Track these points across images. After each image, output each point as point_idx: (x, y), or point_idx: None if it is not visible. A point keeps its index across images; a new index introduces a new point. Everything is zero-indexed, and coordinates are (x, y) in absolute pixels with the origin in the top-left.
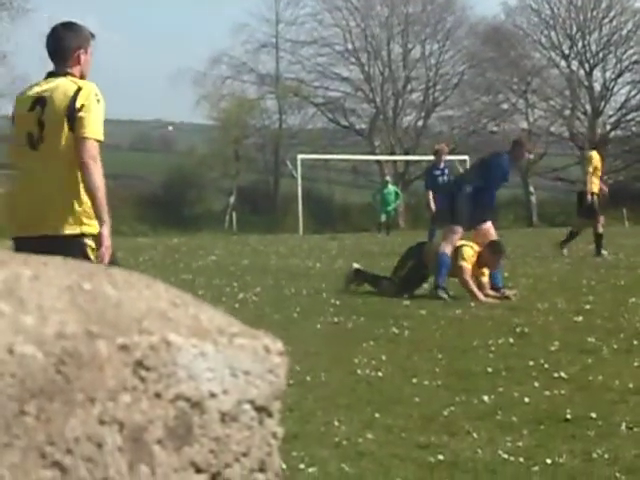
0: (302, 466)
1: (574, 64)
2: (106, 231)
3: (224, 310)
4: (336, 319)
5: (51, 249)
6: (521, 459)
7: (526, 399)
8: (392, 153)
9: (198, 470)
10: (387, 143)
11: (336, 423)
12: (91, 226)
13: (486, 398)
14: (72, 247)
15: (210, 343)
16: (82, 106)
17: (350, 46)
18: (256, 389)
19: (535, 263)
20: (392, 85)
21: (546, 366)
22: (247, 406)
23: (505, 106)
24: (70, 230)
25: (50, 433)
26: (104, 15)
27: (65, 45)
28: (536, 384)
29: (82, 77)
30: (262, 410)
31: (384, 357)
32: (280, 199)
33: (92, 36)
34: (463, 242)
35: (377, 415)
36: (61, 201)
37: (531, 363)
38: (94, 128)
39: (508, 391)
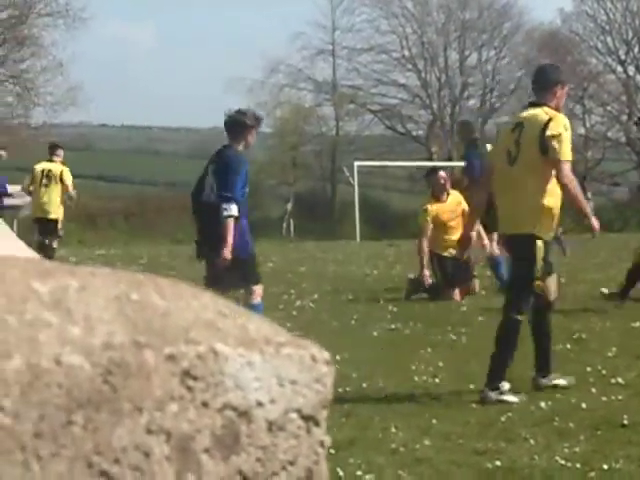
0: (359, 473)
1: (630, 69)
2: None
3: (282, 317)
4: (393, 326)
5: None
6: (578, 465)
7: (583, 405)
8: (449, 159)
9: (245, 479)
10: (444, 149)
11: (393, 429)
12: (542, 231)
13: (543, 404)
14: (526, 243)
15: (257, 353)
16: (552, 135)
17: (407, 53)
18: (303, 398)
19: (593, 269)
20: (449, 91)
21: (603, 372)
22: (294, 415)
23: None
24: (527, 230)
25: (97, 442)
26: (162, 24)
27: (546, 79)
28: (593, 390)
29: (557, 109)
30: (309, 419)
31: (441, 363)
32: (337, 206)
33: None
34: None
35: (434, 421)
36: (527, 208)
37: (588, 369)
38: (566, 152)
39: (565, 397)
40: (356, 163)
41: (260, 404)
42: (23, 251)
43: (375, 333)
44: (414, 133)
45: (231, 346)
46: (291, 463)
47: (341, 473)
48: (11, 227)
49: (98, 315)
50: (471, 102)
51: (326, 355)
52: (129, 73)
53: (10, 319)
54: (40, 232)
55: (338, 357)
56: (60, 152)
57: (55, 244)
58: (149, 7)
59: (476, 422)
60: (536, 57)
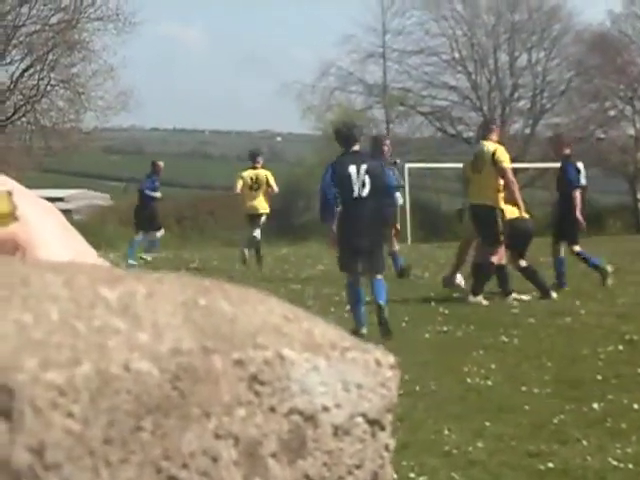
0: (412, 475)
1: None
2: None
3: (333, 320)
4: (445, 328)
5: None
6: (630, 465)
7: (635, 406)
8: None
9: None
10: None
11: (446, 432)
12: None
13: (595, 406)
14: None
15: (323, 357)
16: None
17: (457, 55)
18: (368, 402)
19: None
20: (499, 93)
21: None
22: (360, 419)
23: (612, 113)
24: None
25: (166, 448)
26: (211, 28)
27: (487, 126)
28: None
29: (499, 142)
30: (374, 423)
31: (493, 366)
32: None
33: None
34: None
35: (487, 424)
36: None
37: (639, 370)
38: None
39: (617, 398)
40: (407, 165)
41: (326, 409)
42: (91, 254)
43: (427, 335)
44: (464, 135)
45: (297, 351)
46: (357, 467)
47: (395, 476)
48: None
49: (166, 321)
50: (521, 103)
51: (391, 359)
52: (180, 76)
53: (79, 325)
54: (251, 225)
55: None
56: (260, 159)
57: (258, 235)
58: (199, 10)
59: (528, 424)
60: (586, 58)
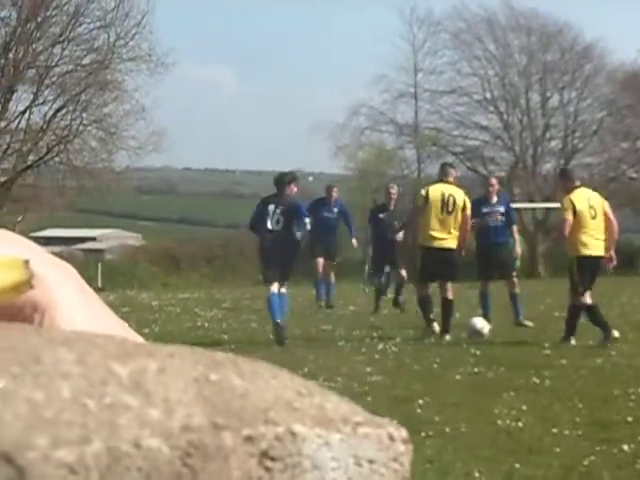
0: None
1: None
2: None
3: (364, 361)
4: (476, 369)
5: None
6: None
7: None
8: (531, 201)
9: None
10: (526, 191)
11: (476, 474)
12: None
13: (626, 447)
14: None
15: (334, 432)
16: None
17: (488, 95)
18: (380, 477)
19: None
20: (531, 133)
21: None
22: None
23: None
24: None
25: None
26: (242, 69)
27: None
28: None
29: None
30: None
31: (524, 407)
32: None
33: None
34: None
35: (517, 465)
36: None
37: None
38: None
39: None
40: None
41: None
42: (109, 316)
43: (457, 377)
44: (496, 175)
45: (308, 426)
46: None
47: None
48: (95, 272)
49: (177, 397)
50: (553, 143)
51: (404, 433)
52: (212, 116)
53: (90, 403)
54: None
55: (420, 401)
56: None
57: None
58: (230, 52)
59: (559, 466)
60: (618, 98)
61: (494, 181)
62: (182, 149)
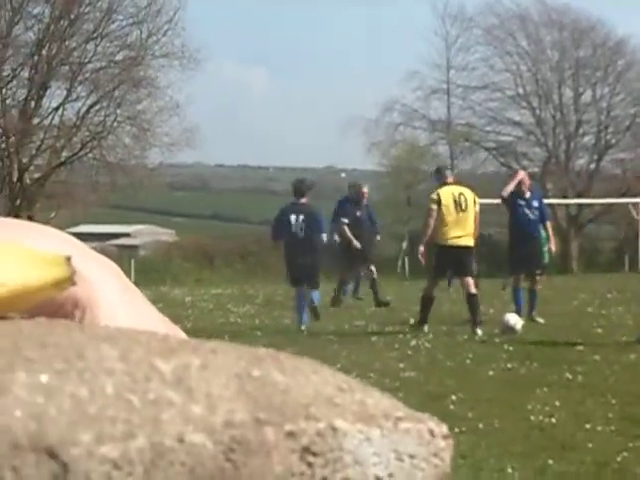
0: None
1: None
2: None
3: (397, 357)
4: (509, 365)
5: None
6: None
7: None
8: (564, 196)
9: None
10: (559, 186)
11: (509, 470)
12: None
13: None
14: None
15: (376, 428)
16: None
17: (521, 90)
18: (421, 472)
19: None
20: (563, 129)
21: None
22: None
23: None
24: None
25: None
26: (275, 64)
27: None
28: None
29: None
30: None
31: (557, 403)
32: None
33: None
34: None
35: (550, 461)
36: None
37: None
38: None
39: None
40: None
41: (379, 479)
42: (152, 313)
43: (491, 373)
44: (529, 170)
45: (350, 422)
46: None
47: None
48: (129, 268)
49: (219, 393)
50: (586, 139)
51: (444, 429)
52: (244, 113)
53: (133, 399)
54: None
55: (453, 397)
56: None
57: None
58: (262, 47)
59: (592, 462)
60: None
61: (525, 178)
62: (215, 145)
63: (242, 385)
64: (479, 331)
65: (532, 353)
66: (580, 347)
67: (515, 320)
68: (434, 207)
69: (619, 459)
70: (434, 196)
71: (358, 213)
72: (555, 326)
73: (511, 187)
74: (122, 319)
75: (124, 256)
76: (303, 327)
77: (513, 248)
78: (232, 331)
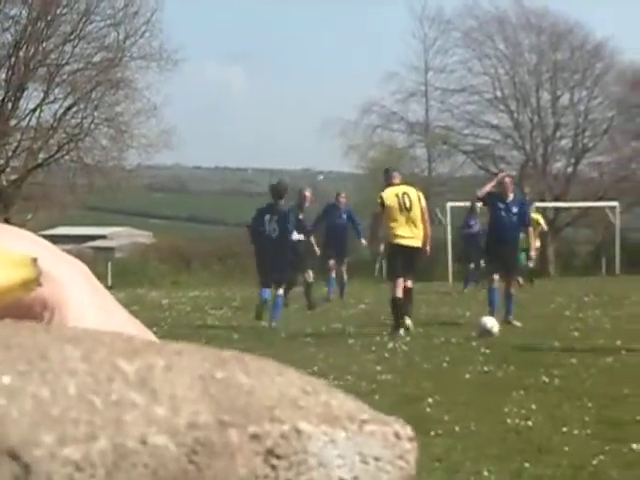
0: None
1: None
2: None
3: (374, 360)
4: (486, 368)
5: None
6: None
7: None
8: (542, 200)
9: None
10: (537, 190)
11: (485, 473)
12: None
13: (635, 446)
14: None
15: (340, 430)
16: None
17: (499, 93)
18: (386, 475)
19: None
20: (541, 132)
21: None
22: None
23: None
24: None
25: None
26: (253, 67)
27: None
28: None
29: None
30: None
31: (534, 406)
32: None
33: None
34: None
35: (526, 465)
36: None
37: None
38: None
39: None
40: (449, 204)
41: None
42: (121, 314)
43: (467, 375)
44: (508, 173)
45: (314, 424)
46: None
47: None
48: (105, 271)
49: (183, 395)
50: (563, 142)
51: (409, 431)
52: (223, 115)
53: (96, 400)
54: None
55: (430, 400)
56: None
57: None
58: (241, 49)
59: (568, 465)
60: (628, 96)
61: (508, 180)
62: (193, 147)
63: (206, 387)
64: (408, 320)
65: (509, 356)
66: (557, 350)
67: (492, 323)
68: (378, 211)
69: (595, 462)
70: (378, 199)
71: (301, 216)
72: (532, 329)
73: (487, 188)
74: (91, 320)
75: (101, 258)
76: (274, 324)
77: (489, 250)
78: (209, 334)
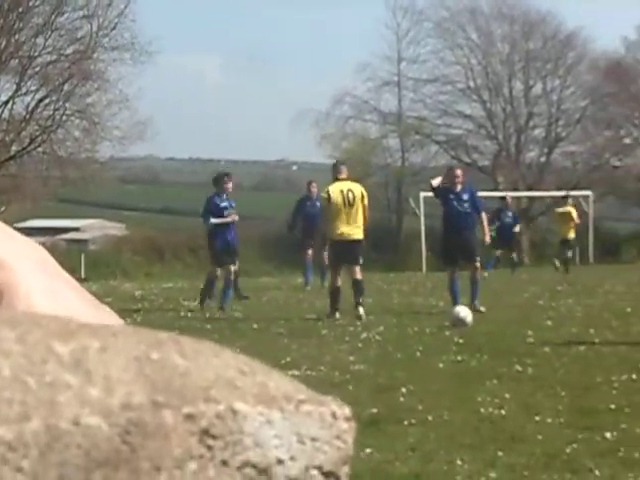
0: None
1: None
2: None
3: (347, 350)
4: (459, 357)
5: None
6: None
7: None
8: (515, 189)
9: None
10: (510, 179)
11: (459, 462)
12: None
13: (609, 435)
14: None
15: (277, 410)
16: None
17: (472, 83)
18: (324, 455)
19: None
20: (514, 122)
21: None
22: (315, 472)
23: (627, 140)
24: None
25: None
26: (228, 58)
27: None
28: None
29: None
30: (330, 475)
31: (507, 395)
32: (403, 237)
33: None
34: None
35: (500, 453)
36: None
37: None
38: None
39: (631, 427)
40: (422, 194)
41: (280, 461)
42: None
43: (441, 365)
44: (480, 164)
45: (250, 404)
46: None
47: None
48: (78, 263)
49: (117, 376)
50: (536, 132)
51: (347, 411)
52: (196, 106)
53: (30, 381)
54: None
55: (403, 389)
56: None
57: None
58: (215, 40)
59: (541, 453)
60: (600, 86)
61: (459, 172)
62: (166, 139)
63: (141, 368)
64: (361, 310)
65: (482, 345)
66: (530, 339)
67: (465, 312)
68: (325, 204)
69: (568, 451)
70: (324, 194)
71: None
72: (505, 318)
73: (439, 180)
74: (40, 304)
75: (74, 250)
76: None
77: (445, 241)
78: (182, 325)
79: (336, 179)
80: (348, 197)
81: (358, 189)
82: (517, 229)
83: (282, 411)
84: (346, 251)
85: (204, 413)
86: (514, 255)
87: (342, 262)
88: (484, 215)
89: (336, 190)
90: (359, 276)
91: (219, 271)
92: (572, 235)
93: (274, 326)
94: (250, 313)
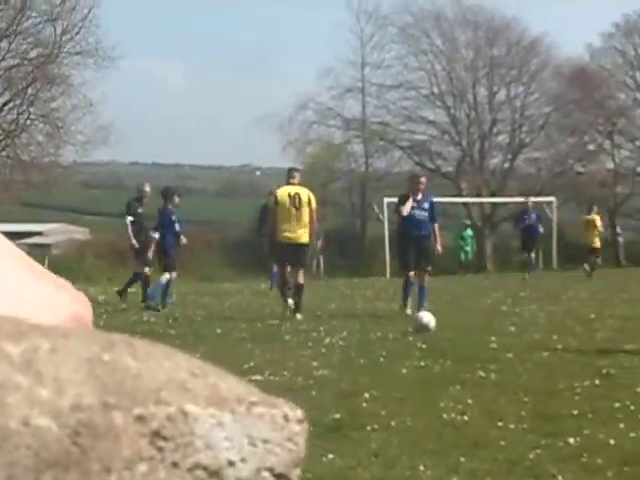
0: None
1: None
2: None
3: (310, 355)
4: (422, 363)
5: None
6: None
7: (611, 441)
8: (479, 195)
9: None
10: (473, 185)
11: (422, 468)
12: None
13: (572, 440)
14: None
15: (228, 412)
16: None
17: (436, 89)
18: (275, 457)
19: (622, 304)
20: (478, 128)
21: (632, 408)
22: (266, 474)
23: (591, 147)
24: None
25: None
26: (190, 63)
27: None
28: (622, 426)
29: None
30: (281, 477)
31: (470, 401)
32: (367, 242)
33: None
34: None
35: (462, 459)
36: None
37: (617, 405)
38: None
39: (594, 433)
40: (386, 199)
41: (231, 463)
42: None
43: (404, 370)
44: (443, 169)
45: (201, 406)
46: None
47: None
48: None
49: (68, 377)
50: (500, 138)
51: (299, 414)
52: (160, 111)
53: None
54: None
55: (366, 395)
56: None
57: None
58: (178, 46)
59: (504, 459)
60: (564, 92)
61: (423, 179)
62: (130, 143)
63: (92, 369)
64: (299, 316)
65: (445, 351)
66: (493, 345)
67: (428, 318)
68: (272, 206)
69: (531, 456)
70: (271, 197)
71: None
72: (469, 324)
73: (408, 207)
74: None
75: (37, 255)
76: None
77: (402, 245)
78: (145, 330)
79: (287, 183)
80: (295, 200)
81: (305, 193)
82: (541, 229)
83: (233, 413)
84: (290, 253)
85: (155, 415)
86: (532, 256)
87: (286, 263)
88: (436, 225)
89: (284, 193)
90: (301, 280)
91: (148, 270)
92: (598, 243)
93: (237, 331)
94: (213, 318)
